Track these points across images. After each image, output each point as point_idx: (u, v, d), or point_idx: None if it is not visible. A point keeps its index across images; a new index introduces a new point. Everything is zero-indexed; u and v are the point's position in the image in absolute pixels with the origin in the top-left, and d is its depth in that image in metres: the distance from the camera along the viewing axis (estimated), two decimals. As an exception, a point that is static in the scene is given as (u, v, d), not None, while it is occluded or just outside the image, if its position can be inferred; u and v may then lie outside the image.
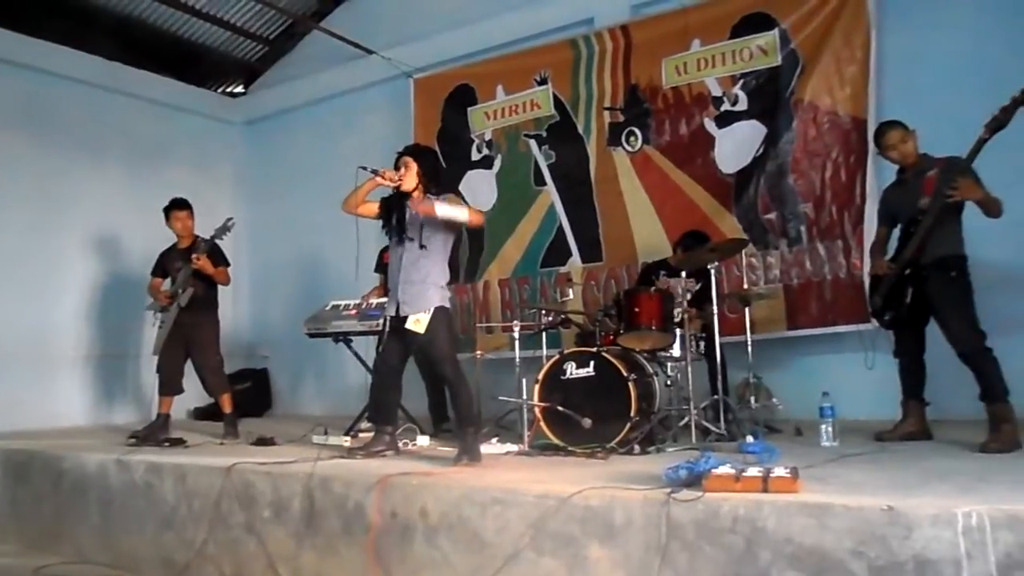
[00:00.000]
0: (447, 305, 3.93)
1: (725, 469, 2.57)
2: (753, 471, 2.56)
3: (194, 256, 5.14)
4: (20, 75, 6.89)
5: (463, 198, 6.81)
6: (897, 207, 4.07)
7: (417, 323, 3.80)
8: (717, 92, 5.74)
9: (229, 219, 5.33)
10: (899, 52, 5.19)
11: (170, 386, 5.31)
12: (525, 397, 4.24)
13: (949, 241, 3.81)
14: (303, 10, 8.00)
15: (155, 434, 5.00)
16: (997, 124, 3.53)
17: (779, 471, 2.55)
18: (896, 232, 4.11)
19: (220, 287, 5.45)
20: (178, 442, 4.88)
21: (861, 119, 5.18)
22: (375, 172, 3.89)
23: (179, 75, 8.18)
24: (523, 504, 2.80)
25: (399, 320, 3.87)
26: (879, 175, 4.92)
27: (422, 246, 3.85)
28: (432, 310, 3.82)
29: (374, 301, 5.31)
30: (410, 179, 3.90)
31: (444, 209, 3.78)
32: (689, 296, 4.50)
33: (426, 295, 3.84)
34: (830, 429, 3.81)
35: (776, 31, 5.48)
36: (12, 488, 4.80)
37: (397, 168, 3.95)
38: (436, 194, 3.96)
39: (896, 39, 5.20)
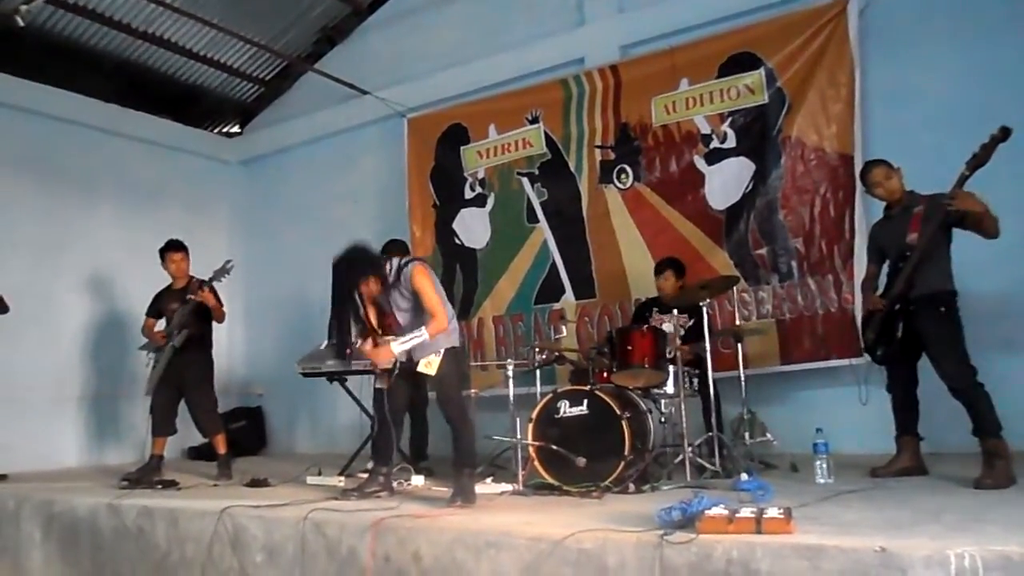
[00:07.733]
0: (456, 343, 3.94)
1: (718, 510, 2.56)
2: (746, 512, 2.55)
3: (200, 289, 5.14)
4: (18, 118, 6.96)
5: (456, 235, 6.84)
6: (885, 243, 4.12)
7: (428, 365, 3.82)
8: (706, 130, 5.82)
9: (228, 261, 5.34)
10: (883, 90, 5.29)
11: (163, 427, 5.29)
12: (519, 436, 4.23)
13: (938, 276, 3.83)
14: (298, 52, 8.12)
15: (148, 476, 4.97)
16: (977, 162, 3.60)
17: (772, 511, 2.54)
18: (886, 268, 4.15)
19: (214, 326, 5.45)
20: (171, 484, 4.84)
21: (848, 155, 5.25)
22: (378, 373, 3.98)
23: (175, 116, 8.26)
24: (517, 548, 2.79)
25: (411, 364, 3.89)
26: (867, 211, 4.99)
27: (404, 312, 3.90)
28: (442, 352, 3.84)
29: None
30: (385, 351, 3.82)
31: (402, 346, 3.77)
32: (682, 332, 4.53)
33: (434, 342, 3.83)
34: (824, 465, 3.81)
35: (762, 70, 5.58)
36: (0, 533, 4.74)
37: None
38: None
39: (880, 77, 5.30)
